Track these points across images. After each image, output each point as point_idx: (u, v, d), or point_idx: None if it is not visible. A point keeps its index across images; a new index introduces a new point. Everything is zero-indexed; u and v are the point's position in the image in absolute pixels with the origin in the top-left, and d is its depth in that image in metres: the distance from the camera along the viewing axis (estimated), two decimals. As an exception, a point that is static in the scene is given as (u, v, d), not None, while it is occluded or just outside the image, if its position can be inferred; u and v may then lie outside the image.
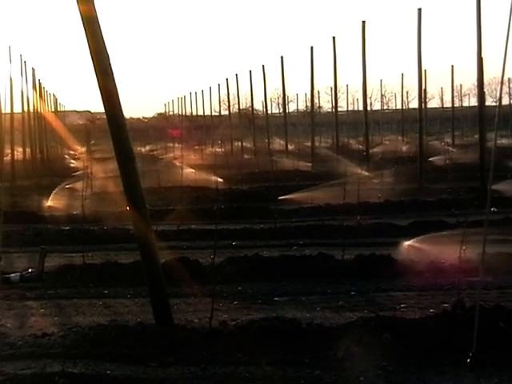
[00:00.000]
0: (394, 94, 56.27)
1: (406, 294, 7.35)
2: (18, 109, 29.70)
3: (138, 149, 38.64)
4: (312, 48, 25.00)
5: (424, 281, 7.72)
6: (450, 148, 31.50)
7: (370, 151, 23.44)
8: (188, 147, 44.56)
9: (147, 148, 41.29)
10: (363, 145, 25.81)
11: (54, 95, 45.57)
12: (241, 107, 41.51)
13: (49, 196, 16.33)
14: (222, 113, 46.13)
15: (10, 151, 22.99)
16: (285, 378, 5.03)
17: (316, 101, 44.25)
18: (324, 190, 16.46)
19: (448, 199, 14.18)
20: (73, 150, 43.38)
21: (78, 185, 16.48)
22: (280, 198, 14.76)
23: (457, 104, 43.15)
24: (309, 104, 40.45)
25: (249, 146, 37.07)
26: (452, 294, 6.69)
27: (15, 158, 25.18)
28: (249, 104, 46.68)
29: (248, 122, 43.12)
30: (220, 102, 44.25)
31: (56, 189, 17.37)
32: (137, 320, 6.39)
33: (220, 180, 18.65)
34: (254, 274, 8.18)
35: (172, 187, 17.50)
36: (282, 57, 27.96)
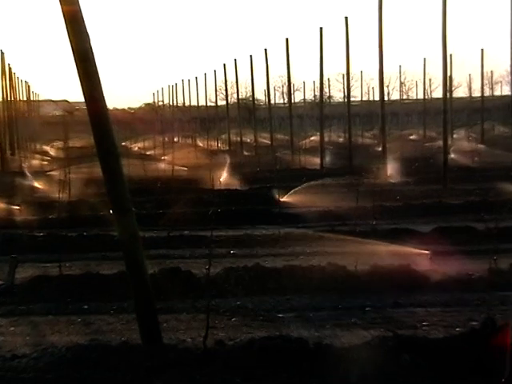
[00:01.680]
0: (414, 82, 56.50)
1: (428, 309, 7.35)
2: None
3: (123, 144, 38.69)
4: (321, 29, 25.03)
5: (449, 295, 7.72)
6: (479, 144, 31.53)
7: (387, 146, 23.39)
8: (180, 142, 44.60)
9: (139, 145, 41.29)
10: (378, 139, 25.83)
11: (26, 82, 45.66)
12: (240, 97, 41.55)
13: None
14: (219, 103, 46.26)
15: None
16: (290, 405, 5.03)
17: (326, 89, 44.20)
18: (335, 191, 16.46)
19: (476, 202, 14.17)
20: (48, 146, 43.43)
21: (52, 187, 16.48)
22: (282, 199, 14.77)
23: (487, 93, 43.10)
24: (317, 93, 40.52)
25: (249, 140, 37.08)
26: (481, 311, 6.68)
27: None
28: (249, 93, 46.75)
29: (248, 113, 43.14)
30: (216, 90, 44.37)
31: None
32: (121, 339, 6.38)
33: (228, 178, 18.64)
34: (255, 287, 8.18)
35: (162, 188, 17.51)
36: (287, 39, 28.01)
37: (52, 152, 39.48)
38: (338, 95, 60.68)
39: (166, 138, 43.37)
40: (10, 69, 35.68)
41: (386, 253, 9.86)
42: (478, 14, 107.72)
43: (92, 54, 5.73)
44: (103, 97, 5.78)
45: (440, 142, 23.26)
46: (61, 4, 5.68)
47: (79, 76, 5.74)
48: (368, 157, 25.90)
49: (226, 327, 6.94)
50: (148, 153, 34.87)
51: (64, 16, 5.68)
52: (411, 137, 44.34)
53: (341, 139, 40.78)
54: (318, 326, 6.92)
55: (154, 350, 5.75)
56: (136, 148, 40.13)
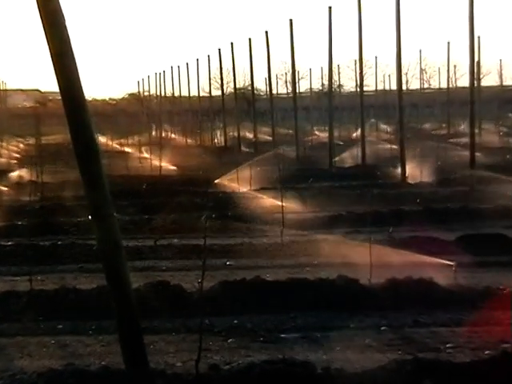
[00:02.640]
0: (437, 69, 56.41)
1: (453, 329, 7.35)
2: None
3: (102, 140, 38.65)
4: (330, 9, 25.09)
5: (477, 313, 7.71)
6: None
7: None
8: (168, 137, 44.62)
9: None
10: (395, 134, 25.80)
11: (-7, 70, 45.66)
12: (237, 86, 41.59)
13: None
14: (213, 93, 46.25)
15: None
16: None
17: (335, 78, 44.33)
18: (347, 194, 16.48)
19: (508, 206, 14.18)
20: (17, 141, 43.48)
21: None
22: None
23: (519, 81, 43.12)
24: (325, 82, 40.60)
25: (250, 136, 37.08)
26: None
27: None
28: (248, 82, 46.81)
29: (247, 104, 43.19)
30: (210, 79, 44.37)
31: None
32: (101, 363, 6.38)
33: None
34: (255, 303, 8.18)
35: (148, 190, 17.53)
36: (291, 20, 28.04)
37: (22, 149, 39.50)
38: (349, 84, 60.73)
39: (154, 133, 43.43)
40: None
41: (404, 264, 9.86)
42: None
43: (68, 36, 5.72)
44: (81, 86, 5.78)
45: (466, 138, 23.27)
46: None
47: (53, 62, 5.73)
48: (384, 154, 25.96)
49: (221, 349, 6.93)
50: (130, 150, 34.87)
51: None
52: (433, 131, 44.38)
53: (353, 134, 40.83)
54: (327, 348, 6.91)
55: (139, 376, 5.74)
56: (118, 145, 40.13)
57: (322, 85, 51.76)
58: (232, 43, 35.75)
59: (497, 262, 9.79)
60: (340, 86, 55.10)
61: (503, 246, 10.75)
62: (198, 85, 45.73)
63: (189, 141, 43.51)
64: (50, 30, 5.70)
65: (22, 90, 74.31)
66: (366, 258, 8.96)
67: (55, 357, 6.87)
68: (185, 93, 49.01)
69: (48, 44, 5.71)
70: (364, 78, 27.87)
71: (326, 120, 30.87)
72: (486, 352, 6.45)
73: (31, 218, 12.95)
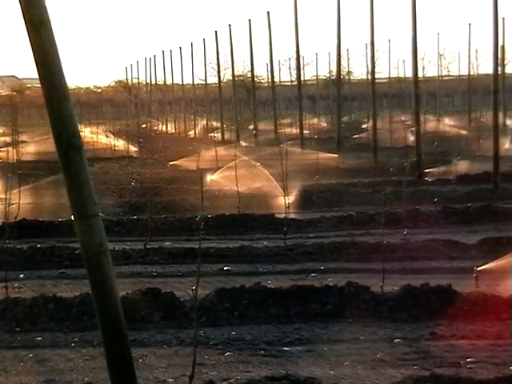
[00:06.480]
0: (457, 54, 56.50)
1: (474, 342, 7.34)
2: None
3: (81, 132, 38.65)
4: (339, -14, 25.05)
5: (502, 324, 7.70)
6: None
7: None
8: (156, 130, 44.67)
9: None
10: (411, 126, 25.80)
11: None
12: (236, 73, 41.59)
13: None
14: (209, 81, 46.26)
15: None
16: None
17: (344, 64, 44.31)
18: (357, 192, 16.47)
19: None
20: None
21: None
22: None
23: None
24: (333, 68, 40.58)
25: (251, 127, 37.08)
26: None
27: None
28: (247, 68, 46.84)
29: (246, 93, 43.19)
30: (206, 65, 44.37)
31: None
32: (84, 380, 6.37)
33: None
34: (255, 313, 8.19)
35: (136, 188, 17.52)
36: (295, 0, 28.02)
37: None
38: (359, 71, 60.84)
39: (144, 125, 43.46)
40: None
41: (420, 270, 9.87)
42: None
43: (48, 17, 5.72)
44: (62, 73, 5.78)
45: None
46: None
47: (31, 46, 5.73)
48: (398, 148, 25.95)
49: (217, 364, 6.93)
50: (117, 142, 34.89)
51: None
52: (452, 122, 44.40)
53: (363, 126, 40.86)
54: (335, 362, 6.91)
55: (127, 394, 5.74)
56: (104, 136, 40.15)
57: (330, 72, 51.77)
58: (230, 25, 35.76)
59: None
60: (349, 72, 55.16)
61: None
62: (192, 71, 45.80)
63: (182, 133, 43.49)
64: (30, 14, 5.69)
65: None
66: (378, 262, 8.96)
67: (33, 372, 6.86)
68: (178, 80, 49.08)
69: (27, 28, 5.71)
70: (376, 64, 27.87)
71: (333, 110, 30.87)
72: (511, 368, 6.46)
73: (7, 219, 12.93)
